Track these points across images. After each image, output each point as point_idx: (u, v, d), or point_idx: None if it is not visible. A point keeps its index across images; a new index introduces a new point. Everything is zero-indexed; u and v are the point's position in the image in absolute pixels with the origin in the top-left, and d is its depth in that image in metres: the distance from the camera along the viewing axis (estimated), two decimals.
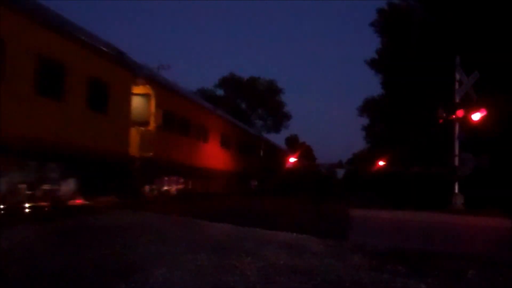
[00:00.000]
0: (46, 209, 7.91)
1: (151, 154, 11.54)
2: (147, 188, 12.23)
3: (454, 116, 13.20)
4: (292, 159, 32.24)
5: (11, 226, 4.98)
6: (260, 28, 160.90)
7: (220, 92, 48.29)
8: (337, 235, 5.84)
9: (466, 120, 13.02)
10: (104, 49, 9.79)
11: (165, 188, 13.36)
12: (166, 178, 13.29)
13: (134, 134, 11.10)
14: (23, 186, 7.66)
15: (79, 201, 9.09)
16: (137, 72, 11.22)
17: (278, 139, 51.60)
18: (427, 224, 8.78)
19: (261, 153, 26.47)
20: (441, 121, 13.47)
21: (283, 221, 7.66)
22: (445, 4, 20.23)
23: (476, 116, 12.73)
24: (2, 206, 7.06)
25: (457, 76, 13.42)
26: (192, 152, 14.89)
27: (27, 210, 7.45)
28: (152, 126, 11.71)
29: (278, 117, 50.87)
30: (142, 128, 11.43)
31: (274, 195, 19.16)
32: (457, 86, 13.43)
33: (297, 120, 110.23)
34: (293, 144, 51.27)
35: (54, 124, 8.14)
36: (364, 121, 39.46)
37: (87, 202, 9.17)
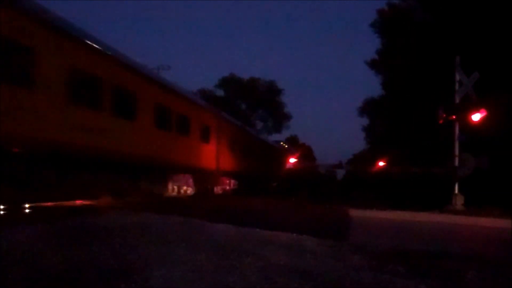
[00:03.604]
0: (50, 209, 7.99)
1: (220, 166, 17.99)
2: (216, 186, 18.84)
3: (454, 117, 13.21)
4: (292, 160, 32.44)
5: (11, 226, 4.98)
6: (260, 28, 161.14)
7: (220, 92, 48.27)
8: (337, 235, 5.83)
9: (466, 120, 13.02)
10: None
11: (225, 187, 19.98)
12: (227, 181, 19.98)
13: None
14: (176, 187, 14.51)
15: (79, 201, 9.14)
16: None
17: (278, 139, 51.49)
18: (427, 225, 8.78)
19: (275, 159, 30.23)
20: (441, 121, 13.47)
21: (283, 221, 7.66)
22: (445, 4, 20.24)
23: (476, 117, 12.73)
24: (2, 206, 7.09)
25: (457, 77, 13.41)
26: (240, 163, 21.08)
27: (27, 211, 7.47)
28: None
29: (278, 117, 50.84)
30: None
31: (288, 195, 20.06)
32: (457, 86, 13.42)
33: (297, 120, 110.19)
34: (293, 144, 51.19)
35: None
36: (364, 121, 39.46)
37: (87, 202, 9.20)
